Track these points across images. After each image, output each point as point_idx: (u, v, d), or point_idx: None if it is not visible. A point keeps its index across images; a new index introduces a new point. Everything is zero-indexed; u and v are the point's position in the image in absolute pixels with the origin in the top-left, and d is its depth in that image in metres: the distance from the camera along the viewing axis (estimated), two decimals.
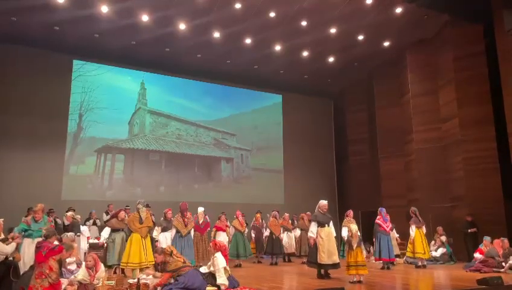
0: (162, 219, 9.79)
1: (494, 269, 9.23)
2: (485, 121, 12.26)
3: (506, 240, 9.92)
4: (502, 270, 9.12)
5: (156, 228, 9.53)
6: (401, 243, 12.35)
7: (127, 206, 12.75)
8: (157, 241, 9.39)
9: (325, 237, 8.40)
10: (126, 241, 8.38)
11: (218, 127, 16.69)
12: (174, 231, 9.28)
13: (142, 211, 8.37)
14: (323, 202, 8.77)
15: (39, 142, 13.18)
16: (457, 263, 11.30)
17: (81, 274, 6.24)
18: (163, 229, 9.53)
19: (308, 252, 8.89)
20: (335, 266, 8.34)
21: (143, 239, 8.15)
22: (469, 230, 11.48)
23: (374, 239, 10.81)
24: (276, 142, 17.85)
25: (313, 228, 8.52)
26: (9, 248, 6.37)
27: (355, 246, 8.00)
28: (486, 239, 10.28)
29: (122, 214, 9.09)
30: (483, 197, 11.83)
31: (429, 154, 13.69)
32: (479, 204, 11.83)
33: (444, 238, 11.83)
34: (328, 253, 8.28)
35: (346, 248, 8.25)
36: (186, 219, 9.38)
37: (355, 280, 7.85)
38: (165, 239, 9.32)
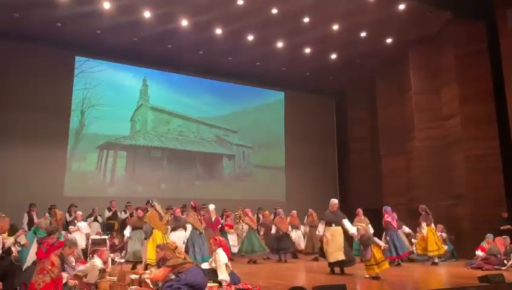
0: (172, 218, 9.76)
1: (496, 267, 9.22)
2: (488, 119, 12.22)
3: (508, 238, 9.91)
4: (504, 268, 9.12)
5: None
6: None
7: (128, 202, 12.83)
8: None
9: (329, 236, 8.49)
10: (145, 239, 8.44)
11: (220, 124, 16.69)
12: (189, 228, 9.19)
13: (159, 208, 8.41)
14: (334, 201, 8.86)
15: (41, 139, 13.19)
16: (459, 260, 11.29)
17: (99, 262, 6.30)
18: (173, 229, 9.49)
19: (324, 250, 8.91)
20: (339, 263, 8.38)
21: (164, 236, 8.21)
22: (501, 227, 11.01)
23: (385, 237, 10.73)
24: (277, 139, 17.84)
25: (320, 227, 8.66)
26: (9, 242, 6.35)
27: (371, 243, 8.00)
28: (489, 237, 10.25)
29: (140, 212, 9.16)
30: (484, 196, 11.79)
31: (431, 152, 13.66)
32: (481, 202, 11.79)
33: (444, 235, 11.83)
34: (332, 251, 8.35)
35: (362, 248, 8.24)
36: (201, 217, 9.44)
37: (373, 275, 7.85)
38: (177, 239, 9.25)
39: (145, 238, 8.53)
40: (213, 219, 10.56)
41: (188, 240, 8.97)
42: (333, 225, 8.58)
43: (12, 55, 13.11)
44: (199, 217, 9.44)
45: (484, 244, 10.20)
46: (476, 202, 11.94)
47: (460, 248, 11.81)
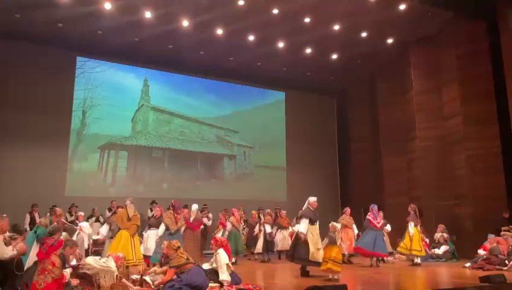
0: (154, 218, 9.72)
1: (497, 267, 9.20)
2: (489, 119, 12.21)
3: (510, 238, 9.89)
4: (505, 268, 9.09)
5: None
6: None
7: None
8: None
9: (315, 234, 8.23)
10: (110, 238, 8.36)
11: (221, 124, 16.70)
12: (163, 227, 8.94)
13: (129, 208, 8.27)
14: (314, 199, 8.57)
15: (43, 139, 13.23)
16: (461, 260, 11.28)
17: (113, 265, 6.27)
18: (150, 227, 9.42)
19: (295, 248, 8.46)
20: (315, 264, 8.15)
21: (131, 237, 8.07)
22: (502, 228, 10.76)
23: (360, 233, 10.82)
24: (278, 139, 17.85)
25: (305, 224, 8.24)
26: (9, 254, 6.31)
27: (338, 242, 7.93)
28: (491, 237, 10.23)
29: (158, 211, 9.10)
30: (486, 195, 11.79)
31: (432, 151, 13.65)
32: (482, 202, 11.79)
33: (445, 235, 11.83)
34: (318, 251, 8.12)
35: (326, 242, 8.05)
36: (177, 216, 9.24)
37: (331, 277, 7.75)
38: (151, 237, 9.13)
39: (111, 237, 8.42)
40: (191, 219, 9.99)
41: (159, 239, 8.81)
42: (315, 223, 8.35)
43: (14, 55, 13.15)
44: (175, 216, 9.28)
45: (487, 244, 10.19)
46: (478, 201, 11.93)
47: (461, 248, 11.79)
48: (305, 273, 8.33)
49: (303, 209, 8.62)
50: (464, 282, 7.43)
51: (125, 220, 8.13)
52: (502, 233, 10.31)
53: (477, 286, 6.87)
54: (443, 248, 11.71)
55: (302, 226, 8.25)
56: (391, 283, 7.94)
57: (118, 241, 8.01)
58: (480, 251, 10.14)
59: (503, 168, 11.90)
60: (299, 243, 8.27)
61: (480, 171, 12.08)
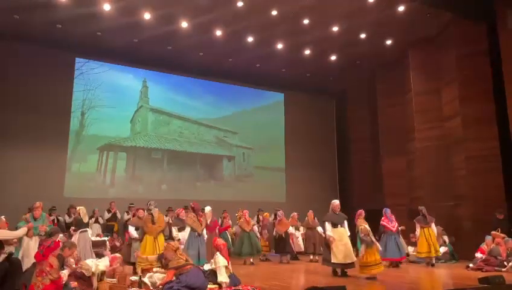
0: (174, 218, 9.88)
1: (496, 268, 9.19)
2: (488, 120, 12.19)
3: (510, 240, 9.87)
4: (504, 269, 9.09)
5: (173, 228, 9.54)
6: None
7: (131, 204, 12.80)
8: (179, 239, 9.29)
9: (337, 237, 8.40)
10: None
11: (220, 125, 16.70)
12: (188, 230, 9.01)
13: (154, 211, 8.48)
14: (336, 202, 8.83)
15: (41, 140, 13.21)
16: (460, 261, 11.27)
17: (103, 265, 6.30)
18: (179, 229, 9.51)
19: (323, 251, 8.79)
20: (349, 265, 8.33)
21: (154, 240, 8.25)
22: (492, 232, 10.58)
23: (381, 239, 10.78)
24: (277, 140, 17.84)
25: (329, 227, 8.51)
26: (20, 232, 6.42)
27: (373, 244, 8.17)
28: (488, 238, 10.23)
29: (141, 212, 9.28)
30: (485, 196, 11.76)
31: (431, 152, 13.64)
32: (482, 203, 11.77)
33: (445, 237, 11.82)
34: (341, 253, 8.28)
35: (363, 248, 8.23)
36: (200, 218, 9.32)
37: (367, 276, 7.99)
38: (183, 239, 9.26)
39: (140, 241, 8.63)
40: (209, 221, 10.04)
41: (186, 242, 8.90)
42: (339, 226, 8.54)
43: (13, 56, 13.14)
44: (199, 218, 9.36)
45: (483, 246, 10.17)
46: (477, 202, 11.91)
47: (461, 248, 11.76)
48: (337, 274, 8.43)
49: (328, 213, 8.85)
50: (463, 283, 7.41)
51: (150, 224, 8.29)
52: (492, 233, 10.29)
53: (477, 287, 6.86)
54: (442, 249, 11.67)
55: (327, 229, 8.53)
56: (390, 284, 7.92)
57: (144, 243, 8.27)
58: (478, 254, 10.10)
59: (502, 169, 11.89)
60: (326, 246, 8.51)
61: (479, 172, 12.06)
